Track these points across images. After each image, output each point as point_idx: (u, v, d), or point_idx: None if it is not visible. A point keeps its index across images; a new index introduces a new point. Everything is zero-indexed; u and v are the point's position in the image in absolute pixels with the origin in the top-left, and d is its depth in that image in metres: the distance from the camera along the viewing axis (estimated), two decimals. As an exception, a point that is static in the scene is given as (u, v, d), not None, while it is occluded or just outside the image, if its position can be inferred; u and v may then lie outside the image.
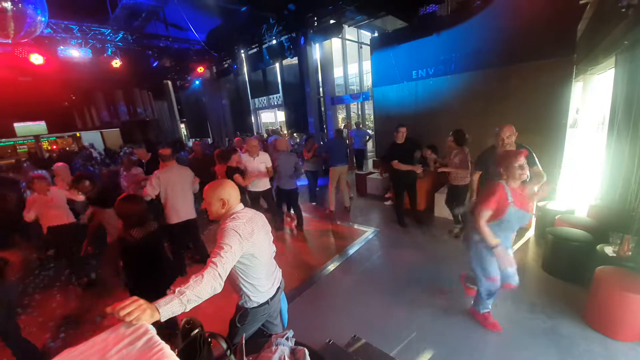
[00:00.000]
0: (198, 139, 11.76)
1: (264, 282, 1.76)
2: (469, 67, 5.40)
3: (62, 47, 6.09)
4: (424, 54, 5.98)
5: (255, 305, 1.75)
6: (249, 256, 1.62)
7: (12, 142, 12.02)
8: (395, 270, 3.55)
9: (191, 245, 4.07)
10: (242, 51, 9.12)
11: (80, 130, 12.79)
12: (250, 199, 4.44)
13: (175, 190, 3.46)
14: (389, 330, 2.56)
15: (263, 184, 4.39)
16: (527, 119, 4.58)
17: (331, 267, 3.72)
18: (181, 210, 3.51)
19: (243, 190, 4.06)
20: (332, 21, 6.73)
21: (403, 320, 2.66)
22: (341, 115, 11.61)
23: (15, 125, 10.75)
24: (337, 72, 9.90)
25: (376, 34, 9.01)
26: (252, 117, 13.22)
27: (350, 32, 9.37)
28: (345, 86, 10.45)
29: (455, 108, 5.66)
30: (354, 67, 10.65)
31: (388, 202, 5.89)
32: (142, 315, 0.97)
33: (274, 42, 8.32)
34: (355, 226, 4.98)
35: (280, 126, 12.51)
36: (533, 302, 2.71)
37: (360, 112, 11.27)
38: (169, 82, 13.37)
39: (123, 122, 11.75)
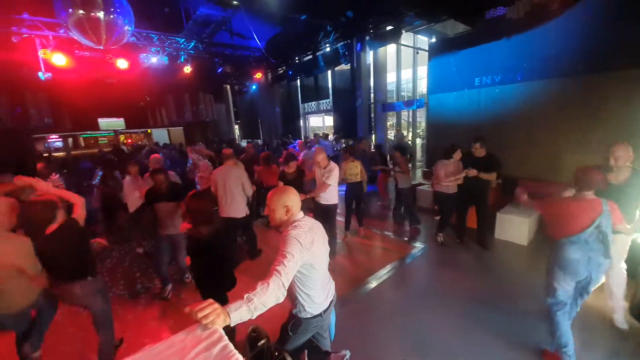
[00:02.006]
0: (250, 140, 12.41)
1: (319, 293, 1.73)
2: (543, 74, 4.87)
3: (143, 54, 6.94)
4: (490, 60, 5.55)
5: (309, 316, 1.73)
6: (307, 266, 1.60)
7: (96, 135, 13.95)
8: (447, 293, 3.29)
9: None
10: (297, 58, 9.41)
11: (151, 128, 14.37)
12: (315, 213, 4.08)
13: (223, 188, 3.73)
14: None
15: (330, 198, 3.92)
16: (615, 136, 3.97)
17: (376, 281, 3.59)
18: (225, 207, 3.74)
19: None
20: (390, 27, 6.59)
21: (456, 348, 2.45)
22: (390, 122, 11.31)
23: (99, 120, 12.41)
24: (389, 78, 9.67)
25: (434, 39, 8.62)
26: (301, 121, 13.55)
27: (406, 37, 9.09)
28: (397, 93, 10.16)
29: (523, 119, 5.14)
30: (406, 73, 10.31)
31: (439, 217, 5.55)
32: (217, 320, 1.01)
33: (329, 49, 8.44)
34: (402, 240, 4.76)
35: (328, 132, 12.62)
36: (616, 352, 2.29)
37: (411, 120, 10.86)
38: (228, 87, 14.42)
39: (187, 121, 12.91)
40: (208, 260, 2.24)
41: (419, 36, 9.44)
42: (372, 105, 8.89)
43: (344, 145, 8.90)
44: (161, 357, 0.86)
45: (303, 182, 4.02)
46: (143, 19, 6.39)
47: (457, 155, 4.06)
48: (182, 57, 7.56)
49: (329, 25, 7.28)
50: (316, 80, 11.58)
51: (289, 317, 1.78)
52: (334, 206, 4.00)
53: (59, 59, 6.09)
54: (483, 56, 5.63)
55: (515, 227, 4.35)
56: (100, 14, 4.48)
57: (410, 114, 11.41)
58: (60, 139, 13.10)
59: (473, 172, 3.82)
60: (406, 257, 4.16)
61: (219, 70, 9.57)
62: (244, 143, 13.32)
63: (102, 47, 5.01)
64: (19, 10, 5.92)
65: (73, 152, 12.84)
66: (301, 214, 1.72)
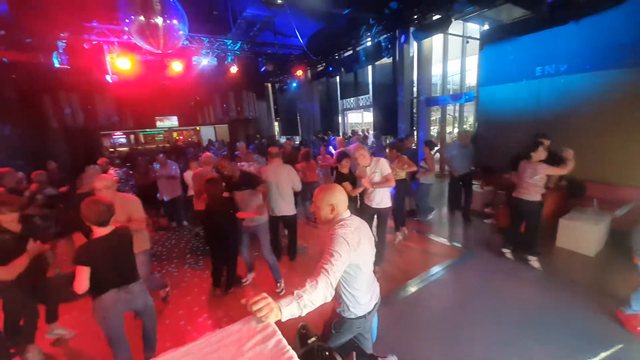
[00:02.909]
0: (289, 137, 12.68)
1: (364, 294, 1.71)
2: (617, 63, 4.20)
3: (195, 56, 7.43)
4: (554, 47, 4.96)
5: (353, 316, 1.71)
6: (354, 266, 1.58)
7: (153, 132, 15.30)
8: (497, 305, 3.03)
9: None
10: (338, 54, 9.34)
11: (200, 125, 15.39)
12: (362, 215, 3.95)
13: (275, 186, 3.74)
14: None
15: (381, 200, 3.58)
16: None
17: (418, 285, 3.45)
18: (274, 206, 3.79)
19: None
20: (437, 16, 6.21)
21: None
22: (433, 118, 10.74)
23: (157, 118, 13.61)
24: (434, 71, 9.15)
25: (486, 27, 7.97)
26: (340, 118, 13.48)
27: (453, 26, 8.52)
28: (443, 86, 9.60)
29: (592, 114, 4.52)
30: (452, 65, 9.68)
31: (489, 220, 5.16)
32: (270, 314, 1.04)
33: (370, 43, 8.23)
34: (448, 243, 4.51)
35: (367, 128, 12.41)
36: None
37: (457, 115, 10.21)
38: (269, 85, 14.87)
39: (231, 119, 13.60)
40: (214, 231, 3.21)
41: (468, 24, 8.81)
42: (415, 100, 8.52)
43: (386, 142, 8.68)
44: (220, 345, 0.90)
45: (357, 181, 3.86)
46: (194, 23, 6.77)
47: (541, 153, 3.42)
48: (229, 58, 7.94)
49: (372, 19, 7.08)
50: (355, 76, 11.40)
51: (332, 315, 1.79)
52: (386, 210, 3.62)
53: (124, 63, 6.76)
54: (546, 43, 5.05)
55: (580, 235, 3.87)
56: (159, 20, 4.86)
57: (456, 108, 10.74)
58: (124, 136, 14.64)
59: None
60: (452, 261, 3.93)
61: (262, 69, 9.88)
62: (283, 139, 13.67)
63: (160, 51, 5.43)
64: (89, 19, 6.66)
65: (134, 147, 14.29)
66: (348, 212, 1.70)
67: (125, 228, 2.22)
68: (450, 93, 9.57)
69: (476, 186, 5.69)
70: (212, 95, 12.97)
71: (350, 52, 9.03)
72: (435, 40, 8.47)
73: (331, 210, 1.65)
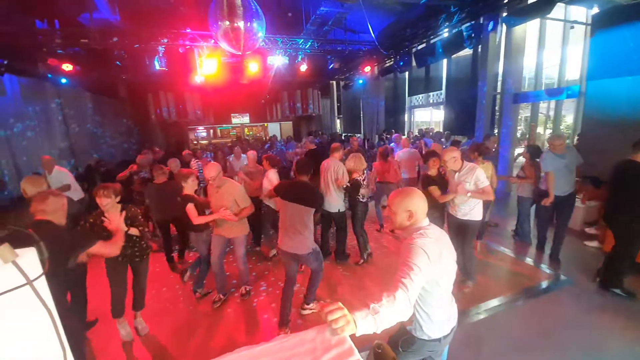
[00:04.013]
0: (355, 135, 12.55)
1: (440, 313, 1.52)
2: None
3: (270, 56, 7.86)
4: None
5: (425, 337, 1.53)
6: (432, 282, 1.41)
7: (228, 127, 16.83)
8: (594, 346, 2.49)
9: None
10: (409, 48, 8.82)
11: (267, 122, 16.39)
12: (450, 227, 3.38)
13: (324, 181, 3.85)
14: None
15: (470, 211, 3.11)
16: None
17: (496, 308, 3.03)
18: (325, 202, 3.82)
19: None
20: (536, -1, 5.33)
21: None
22: (522, 116, 9.37)
23: (232, 115, 14.92)
24: (525, 62, 7.94)
25: (595, 9, 6.57)
26: (406, 116, 12.80)
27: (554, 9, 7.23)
28: (536, 79, 8.28)
29: None
30: (548, 55, 8.24)
31: (593, 243, 4.28)
32: (346, 327, 0.96)
33: (447, 34, 7.54)
34: (537, 266, 3.87)
35: (424, 128, 11.50)
36: None
37: (552, 113, 8.71)
38: (334, 82, 14.95)
39: (296, 116, 14.14)
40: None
41: (572, 7, 7.39)
42: (499, 96, 7.54)
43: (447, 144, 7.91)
44: (294, 352, 0.87)
45: (447, 184, 3.54)
46: (270, 24, 7.07)
47: None
48: (300, 57, 8.18)
49: (453, 6, 6.45)
50: (427, 71, 10.62)
51: (401, 332, 1.64)
52: (475, 223, 3.16)
53: (211, 66, 7.51)
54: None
55: None
56: (241, 24, 5.22)
57: (550, 106, 9.18)
58: (205, 130, 16.45)
59: None
60: (541, 285, 3.36)
61: (330, 66, 9.95)
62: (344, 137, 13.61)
63: (240, 53, 5.85)
64: (184, 26, 7.57)
65: (213, 140, 15.98)
66: (427, 220, 1.53)
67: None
68: (543, 88, 8.20)
69: (578, 201, 4.76)
70: (280, 93, 13.64)
71: (424, 45, 8.43)
72: (529, 28, 7.32)
73: (408, 216, 1.50)
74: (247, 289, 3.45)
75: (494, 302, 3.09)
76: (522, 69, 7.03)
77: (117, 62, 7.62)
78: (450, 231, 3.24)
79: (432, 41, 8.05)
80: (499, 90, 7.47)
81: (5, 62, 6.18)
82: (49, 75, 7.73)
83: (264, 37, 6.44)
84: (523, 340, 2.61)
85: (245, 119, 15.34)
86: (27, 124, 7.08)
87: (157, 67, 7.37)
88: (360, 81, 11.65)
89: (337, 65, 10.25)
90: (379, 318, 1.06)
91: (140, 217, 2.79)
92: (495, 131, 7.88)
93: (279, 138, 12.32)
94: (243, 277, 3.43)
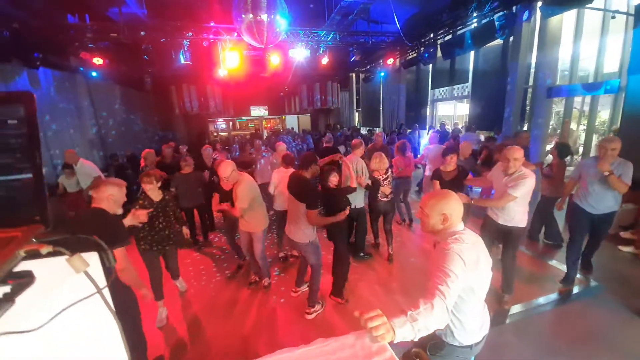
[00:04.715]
0: (379, 130, 12.36)
1: (473, 320, 1.49)
2: None
3: (291, 49, 7.80)
4: None
5: (456, 344, 1.51)
6: (467, 289, 1.38)
7: (246, 119, 17.01)
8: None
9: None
10: (433, 39, 8.50)
11: (285, 115, 16.42)
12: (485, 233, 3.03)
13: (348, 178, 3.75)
14: None
15: (514, 216, 2.79)
16: None
17: (524, 313, 2.94)
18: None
19: None
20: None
21: None
22: (554, 110, 8.86)
23: (251, 107, 15.06)
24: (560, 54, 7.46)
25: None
26: (428, 109, 12.42)
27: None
28: (571, 72, 7.79)
29: None
30: (585, 46, 7.69)
31: (627, 249, 4.05)
32: (386, 335, 0.96)
33: (476, 24, 7.19)
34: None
35: (444, 121, 11.09)
36: None
37: (587, 108, 8.18)
38: (353, 75, 14.68)
39: (315, 109, 14.06)
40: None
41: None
42: (530, 90, 7.16)
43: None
44: (336, 358, 0.88)
45: (464, 184, 3.42)
46: (292, 16, 6.96)
47: None
48: (322, 49, 8.06)
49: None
50: (452, 63, 10.21)
51: (430, 335, 1.63)
52: (519, 230, 2.84)
53: (233, 59, 7.55)
54: None
55: None
56: (264, 17, 5.20)
57: (585, 101, 8.62)
58: (225, 122, 16.71)
59: None
60: (569, 292, 3.22)
61: (352, 58, 9.77)
62: (363, 131, 13.41)
63: (263, 46, 5.85)
64: (208, 20, 7.63)
65: (232, 132, 16.23)
66: (462, 225, 1.49)
67: None
68: (582, 82, 7.70)
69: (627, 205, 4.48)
70: (299, 86, 13.57)
71: (450, 36, 8.08)
72: (566, 18, 6.85)
73: (443, 220, 1.46)
74: (268, 282, 3.54)
75: (521, 307, 3.00)
76: (558, 61, 6.62)
77: (145, 57, 7.82)
78: (486, 238, 2.86)
79: (459, 32, 7.71)
80: (530, 83, 7.09)
81: (40, 55, 6.49)
82: (81, 69, 8.06)
83: (287, 30, 6.40)
84: (553, 347, 2.53)
85: (264, 112, 15.45)
86: (60, 116, 7.44)
87: (182, 60, 7.49)
88: (382, 74, 11.37)
89: (358, 57, 10.04)
90: (417, 326, 1.05)
91: (172, 203, 3.11)
92: (525, 127, 7.52)
93: (297, 131, 12.34)
94: (263, 272, 3.50)
